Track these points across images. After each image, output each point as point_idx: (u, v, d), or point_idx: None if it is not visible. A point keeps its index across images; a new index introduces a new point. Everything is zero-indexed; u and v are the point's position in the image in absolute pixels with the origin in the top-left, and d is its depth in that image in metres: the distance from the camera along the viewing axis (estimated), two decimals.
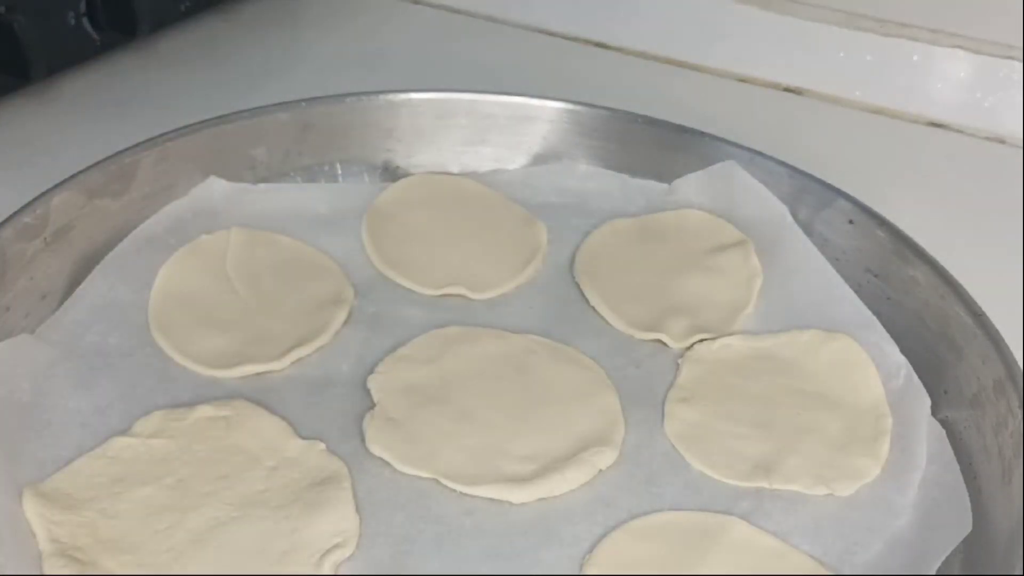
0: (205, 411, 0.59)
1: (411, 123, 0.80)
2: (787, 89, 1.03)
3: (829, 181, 0.73)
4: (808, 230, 0.73)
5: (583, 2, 1.10)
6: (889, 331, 0.66)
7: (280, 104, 0.78)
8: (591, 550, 0.54)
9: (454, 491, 0.57)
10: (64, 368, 0.61)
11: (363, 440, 0.59)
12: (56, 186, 0.66)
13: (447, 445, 0.59)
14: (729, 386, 0.64)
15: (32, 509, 0.52)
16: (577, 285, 0.72)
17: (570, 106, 0.80)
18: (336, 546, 0.53)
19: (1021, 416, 0.55)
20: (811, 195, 0.73)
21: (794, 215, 0.73)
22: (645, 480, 0.58)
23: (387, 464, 0.58)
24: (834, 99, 1.01)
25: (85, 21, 0.90)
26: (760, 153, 0.76)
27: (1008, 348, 0.59)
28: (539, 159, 0.81)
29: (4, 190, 0.70)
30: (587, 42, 1.10)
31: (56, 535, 0.51)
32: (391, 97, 0.80)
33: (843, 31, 1.00)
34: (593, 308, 0.70)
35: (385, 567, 0.52)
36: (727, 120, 0.81)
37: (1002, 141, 0.96)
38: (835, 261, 0.71)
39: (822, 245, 0.72)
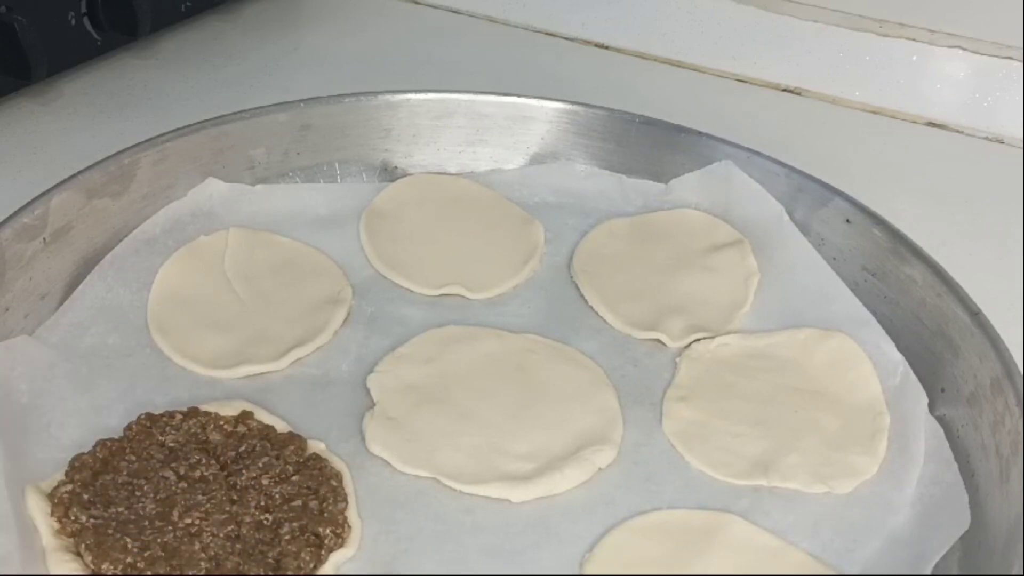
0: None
1: (409, 123, 0.80)
2: (786, 89, 1.03)
3: (828, 181, 0.74)
4: (805, 229, 0.73)
5: (583, 2, 1.10)
6: (886, 329, 0.66)
7: (279, 104, 0.78)
8: (591, 548, 0.54)
9: (454, 490, 0.57)
10: (63, 369, 0.61)
11: (363, 439, 0.59)
12: (55, 186, 0.67)
13: (447, 444, 0.59)
14: (727, 385, 0.64)
15: (35, 507, 0.52)
16: (575, 284, 0.72)
17: (568, 106, 0.80)
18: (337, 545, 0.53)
19: (1019, 414, 0.55)
20: (808, 194, 0.73)
21: (791, 214, 0.73)
22: (644, 478, 0.58)
23: (387, 463, 0.58)
24: (833, 99, 1.01)
25: (86, 21, 0.90)
26: (757, 152, 0.76)
27: (1005, 346, 0.59)
28: (537, 159, 0.81)
29: (4, 190, 0.70)
30: (587, 42, 1.10)
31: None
32: (389, 97, 0.80)
33: (842, 31, 1.00)
34: (591, 307, 0.70)
35: (385, 566, 0.53)
36: (726, 120, 0.81)
37: (1001, 141, 0.96)
38: (832, 260, 0.71)
39: (819, 244, 0.72)
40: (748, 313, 0.70)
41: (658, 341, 0.67)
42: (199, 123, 0.75)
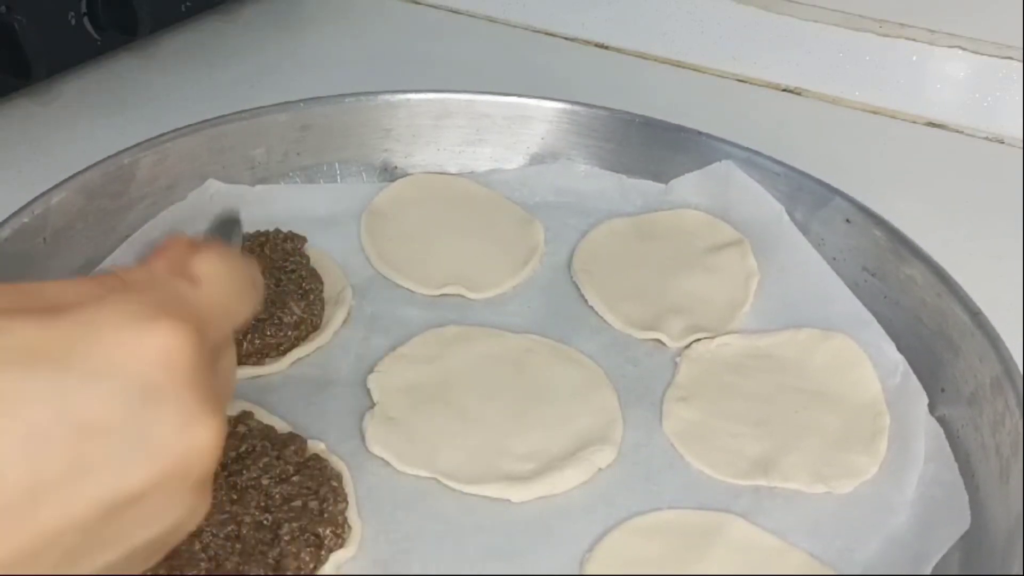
0: None
1: (409, 123, 0.80)
2: (786, 89, 1.03)
3: (828, 181, 0.73)
4: (805, 229, 0.73)
5: (583, 2, 1.10)
6: (886, 330, 0.66)
7: (279, 105, 0.78)
8: (590, 548, 0.54)
9: (454, 490, 0.57)
10: None
11: (363, 440, 0.59)
12: (55, 187, 0.67)
13: (447, 444, 0.59)
14: (727, 385, 0.64)
15: None
16: (575, 284, 0.72)
17: (568, 106, 0.80)
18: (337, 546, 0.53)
19: (1019, 414, 0.55)
20: (808, 194, 0.73)
21: (791, 214, 0.73)
22: (644, 478, 0.58)
23: (387, 464, 0.58)
24: (833, 99, 1.01)
25: (86, 21, 0.90)
26: (757, 152, 0.76)
27: (1005, 346, 0.59)
28: (537, 159, 0.81)
29: (4, 190, 0.70)
30: (587, 42, 1.10)
31: None
32: (389, 97, 0.80)
33: (842, 31, 1.00)
34: (591, 307, 0.70)
35: (386, 566, 0.53)
36: (726, 120, 0.81)
37: (1001, 141, 0.96)
38: (832, 260, 0.71)
39: (819, 244, 0.72)
40: (748, 313, 0.70)
41: (658, 341, 0.67)
42: (199, 123, 0.75)
